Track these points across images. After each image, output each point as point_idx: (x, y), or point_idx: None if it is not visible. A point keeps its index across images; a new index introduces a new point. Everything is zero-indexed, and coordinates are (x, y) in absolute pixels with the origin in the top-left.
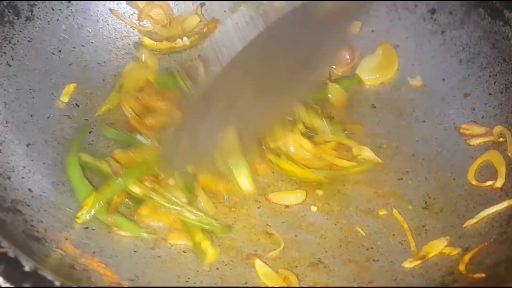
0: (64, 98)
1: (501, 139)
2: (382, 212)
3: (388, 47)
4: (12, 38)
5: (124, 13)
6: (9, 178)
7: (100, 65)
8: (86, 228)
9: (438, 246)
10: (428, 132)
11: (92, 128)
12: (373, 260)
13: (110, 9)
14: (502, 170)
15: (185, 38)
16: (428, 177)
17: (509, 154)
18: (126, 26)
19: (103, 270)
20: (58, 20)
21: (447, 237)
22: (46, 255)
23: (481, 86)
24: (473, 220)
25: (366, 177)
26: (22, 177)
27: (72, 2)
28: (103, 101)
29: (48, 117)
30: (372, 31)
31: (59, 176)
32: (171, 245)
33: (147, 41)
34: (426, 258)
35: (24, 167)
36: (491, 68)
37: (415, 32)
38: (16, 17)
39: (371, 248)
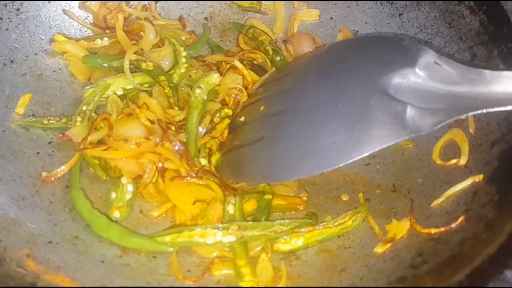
0: (20, 110)
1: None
2: (349, 198)
3: (347, 34)
4: None
5: (78, 16)
6: None
7: (56, 73)
8: (50, 242)
9: (404, 227)
10: None
11: (52, 138)
12: (345, 247)
13: (63, 10)
14: (465, 148)
15: (105, 39)
16: (395, 160)
17: (471, 131)
18: (80, 30)
19: (67, 284)
20: (7, 29)
21: (409, 217)
22: (5, 276)
23: None
24: (440, 200)
25: None
26: None
27: (21, 10)
28: (61, 109)
29: (3, 131)
30: (331, 18)
31: (19, 191)
32: (140, 253)
33: (58, 38)
34: (395, 240)
35: None
36: (449, 47)
37: (374, 16)
38: None
39: (342, 235)
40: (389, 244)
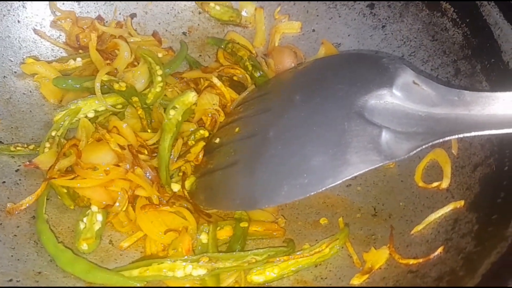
0: None
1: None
2: (329, 222)
3: (329, 47)
4: None
5: (50, 35)
6: None
7: (25, 96)
8: (10, 280)
9: (382, 256)
10: None
11: (19, 166)
12: (322, 278)
13: (34, 29)
14: (447, 170)
15: (78, 59)
16: (377, 181)
17: (453, 152)
18: (52, 50)
19: None
20: None
21: (388, 245)
22: None
23: None
24: (420, 226)
25: None
26: None
27: None
28: (31, 134)
29: None
30: (313, 30)
31: None
32: None
33: (29, 61)
34: (373, 271)
35: None
36: (433, 61)
37: (356, 28)
38: None
39: (320, 264)
40: (366, 276)
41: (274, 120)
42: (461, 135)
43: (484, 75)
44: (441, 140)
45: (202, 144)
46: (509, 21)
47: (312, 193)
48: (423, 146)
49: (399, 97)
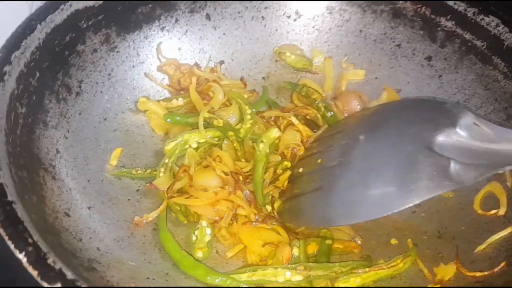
0: (113, 162)
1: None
2: (399, 243)
3: (391, 92)
4: (67, 113)
5: (156, 78)
6: (80, 240)
7: (139, 128)
8: (148, 278)
9: (450, 270)
10: None
11: (139, 186)
12: None
13: (145, 73)
14: (503, 200)
15: (180, 99)
16: (439, 209)
17: (508, 184)
18: (158, 90)
19: None
20: (101, 92)
21: (455, 261)
22: None
23: None
24: (482, 246)
25: None
26: (90, 238)
27: (112, 74)
28: (144, 160)
29: (101, 180)
30: (376, 78)
31: (118, 233)
32: None
33: (142, 100)
34: (443, 282)
35: (89, 228)
36: (485, 107)
37: (415, 77)
38: (68, 94)
39: (395, 277)
40: (438, 286)
41: (353, 153)
42: None
43: None
44: (501, 170)
45: (289, 172)
46: None
47: (391, 212)
48: (488, 175)
49: (463, 136)
